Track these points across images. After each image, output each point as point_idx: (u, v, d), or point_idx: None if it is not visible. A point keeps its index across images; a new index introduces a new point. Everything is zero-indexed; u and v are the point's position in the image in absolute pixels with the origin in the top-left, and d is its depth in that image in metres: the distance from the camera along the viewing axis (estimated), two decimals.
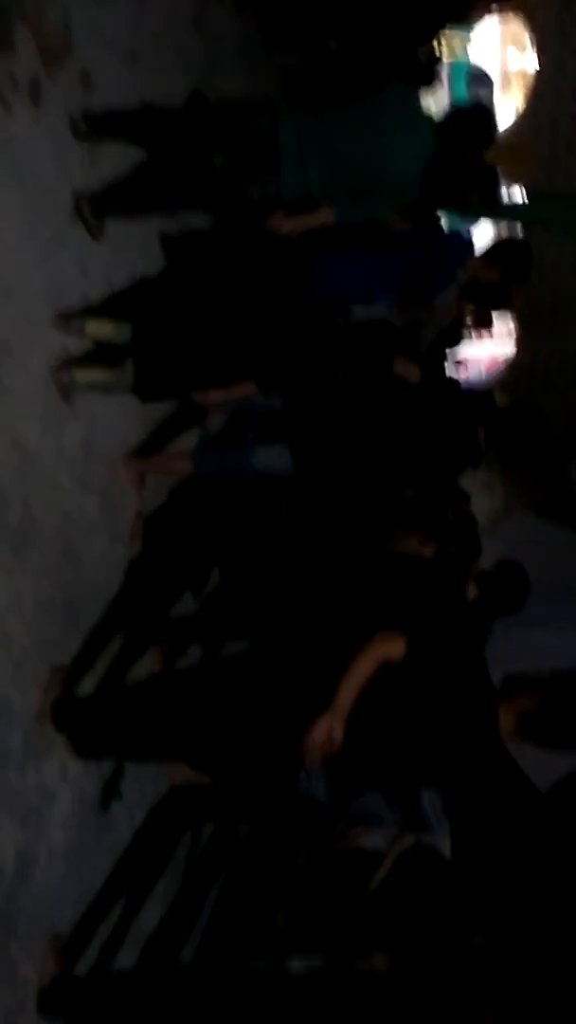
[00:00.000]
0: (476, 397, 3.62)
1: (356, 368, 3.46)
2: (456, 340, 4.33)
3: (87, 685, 3.09)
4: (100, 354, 3.13)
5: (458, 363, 4.55)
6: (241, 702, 2.80)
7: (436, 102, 10.69)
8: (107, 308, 3.21)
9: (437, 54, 8.75)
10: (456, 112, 3.40)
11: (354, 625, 2.84)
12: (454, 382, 3.91)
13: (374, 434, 3.27)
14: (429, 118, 3.33)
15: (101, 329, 3.07)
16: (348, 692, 2.56)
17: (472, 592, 3.43)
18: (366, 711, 2.60)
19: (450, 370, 4.19)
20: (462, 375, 5.47)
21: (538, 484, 10.81)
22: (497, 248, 3.63)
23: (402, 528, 3.52)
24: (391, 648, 2.60)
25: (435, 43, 8.45)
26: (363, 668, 2.58)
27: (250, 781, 3.46)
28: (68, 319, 2.98)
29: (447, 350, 4.27)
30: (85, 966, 2.95)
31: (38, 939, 2.72)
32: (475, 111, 3.46)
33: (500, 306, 3.94)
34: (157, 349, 3.18)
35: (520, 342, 11.40)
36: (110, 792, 3.21)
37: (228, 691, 2.86)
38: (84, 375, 3.04)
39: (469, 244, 3.71)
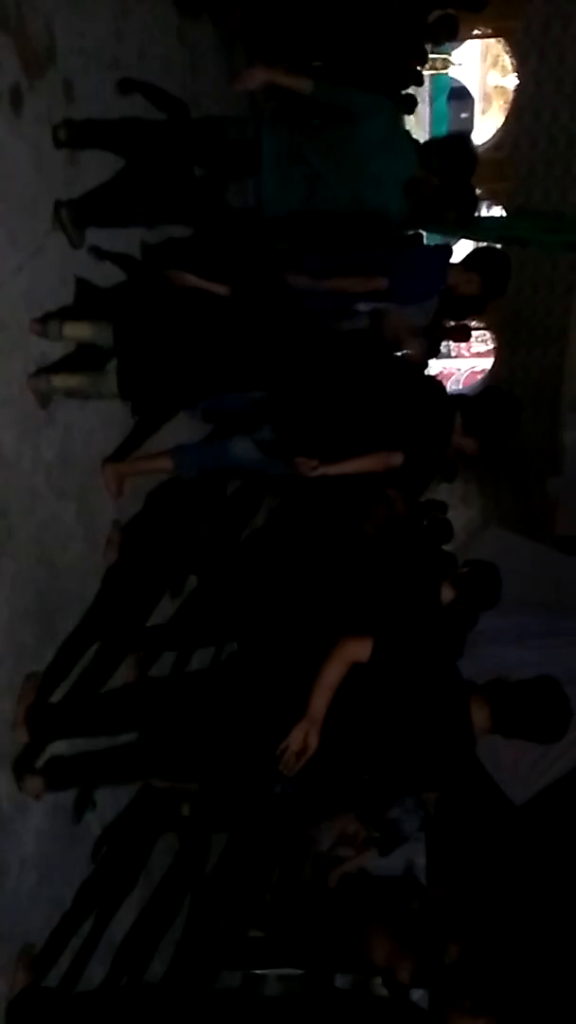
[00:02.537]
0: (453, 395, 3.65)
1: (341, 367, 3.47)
2: (435, 352, 4.38)
3: (62, 693, 3.07)
4: (78, 359, 3.13)
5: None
6: (217, 712, 2.81)
7: (417, 119, 10.81)
8: (85, 310, 3.21)
9: (419, 74, 8.82)
10: (435, 143, 3.44)
11: (326, 629, 2.85)
12: (433, 380, 3.94)
13: (357, 426, 3.29)
14: (410, 140, 3.36)
15: (79, 331, 3.06)
16: (320, 698, 2.58)
17: (449, 594, 3.46)
18: (340, 716, 2.61)
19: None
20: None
21: (514, 498, 10.90)
22: (476, 256, 3.67)
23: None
24: (357, 650, 2.62)
25: (418, 64, 8.54)
26: (332, 673, 2.60)
27: (226, 790, 3.45)
28: (45, 322, 2.97)
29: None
30: (56, 978, 2.92)
31: (8, 950, 2.69)
32: (453, 142, 3.51)
33: (474, 313, 3.98)
34: (142, 351, 3.17)
35: (497, 358, 11.52)
36: (83, 802, 3.19)
37: (204, 701, 2.86)
38: (62, 381, 3.03)
39: (448, 257, 3.75)
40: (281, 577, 3.60)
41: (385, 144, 3.17)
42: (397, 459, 3.24)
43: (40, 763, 2.85)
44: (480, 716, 2.62)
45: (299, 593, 3.47)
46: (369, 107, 3.27)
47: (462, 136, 3.88)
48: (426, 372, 4.08)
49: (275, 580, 3.61)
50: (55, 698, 3.00)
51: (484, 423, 3.26)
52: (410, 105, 7.80)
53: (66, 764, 2.92)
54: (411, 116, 8.67)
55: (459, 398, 3.43)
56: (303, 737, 2.54)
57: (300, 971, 4.28)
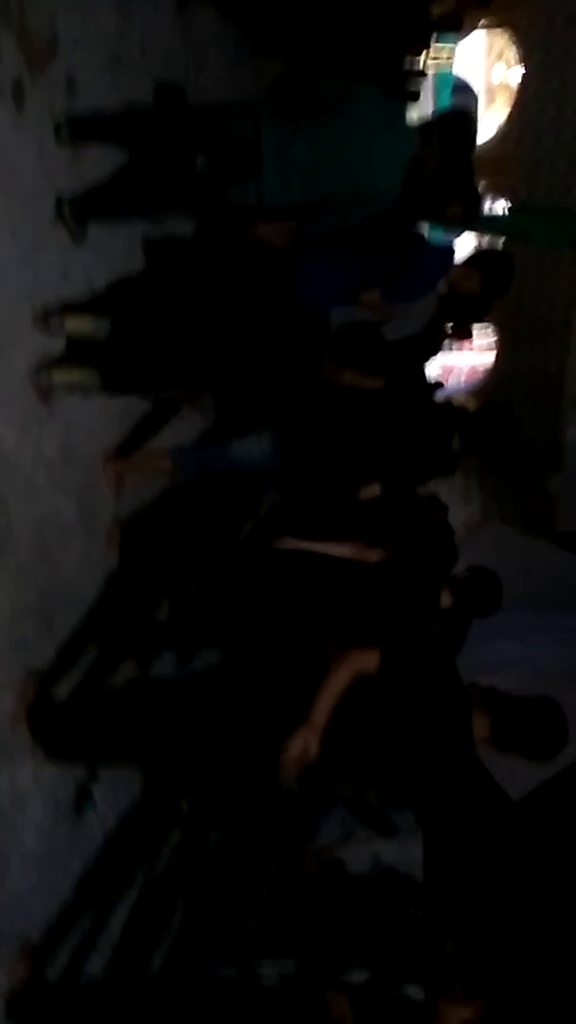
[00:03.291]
0: (450, 404, 3.65)
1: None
2: (434, 351, 4.36)
3: (63, 690, 3.07)
4: (79, 354, 3.13)
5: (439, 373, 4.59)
6: (218, 714, 2.81)
7: (420, 114, 10.77)
8: (87, 304, 3.20)
9: (422, 67, 8.79)
10: (436, 116, 3.42)
11: (328, 637, 2.86)
12: (429, 387, 3.93)
13: (352, 433, 3.29)
14: (407, 121, 3.35)
15: (81, 325, 3.06)
16: (323, 706, 2.58)
17: (447, 600, 3.45)
18: (342, 724, 2.61)
19: (430, 377, 4.21)
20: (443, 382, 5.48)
21: (515, 495, 10.88)
22: (479, 256, 3.65)
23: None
24: (364, 661, 2.62)
25: (421, 55, 8.49)
26: (337, 682, 2.60)
27: (226, 792, 3.46)
28: (47, 316, 2.97)
29: (426, 360, 4.29)
30: (56, 972, 2.93)
31: (8, 944, 2.70)
32: (455, 114, 3.49)
33: (478, 318, 3.95)
34: (133, 344, 3.17)
35: (499, 353, 11.49)
36: (83, 798, 3.20)
37: (205, 702, 2.86)
38: (63, 376, 3.03)
39: (451, 254, 3.74)
40: (285, 581, 3.59)
41: (380, 125, 3.15)
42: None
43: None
44: (480, 726, 2.64)
45: (303, 598, 3.46)
46: (354, 92, 3.24)
47: (462, 108, 3.84)
48: (426, 376, 4.07)
49: (279, 583, 3.60)
50: (56, 694, 3.01)
51: (481, 440, 3.29)
52: (413, 96, 7.78)
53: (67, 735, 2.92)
54: (414, 110, 8.64)
55: (456, 413, 3.45)
56: (303, 743, 2.55)
57: (297, 963, 4.29)
